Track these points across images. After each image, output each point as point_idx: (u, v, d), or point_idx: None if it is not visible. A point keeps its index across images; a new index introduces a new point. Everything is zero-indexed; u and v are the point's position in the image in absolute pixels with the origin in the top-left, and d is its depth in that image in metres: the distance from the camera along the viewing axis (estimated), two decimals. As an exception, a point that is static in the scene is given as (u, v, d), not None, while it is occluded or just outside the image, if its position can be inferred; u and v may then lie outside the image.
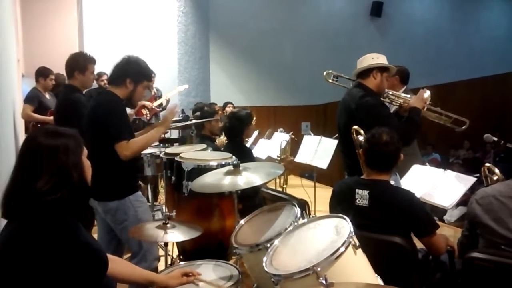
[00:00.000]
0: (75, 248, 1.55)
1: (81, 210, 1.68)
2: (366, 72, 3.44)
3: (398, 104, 3.59)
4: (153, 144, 3.90)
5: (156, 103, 7.09)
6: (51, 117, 5.35)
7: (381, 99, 3.52)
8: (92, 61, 3.94)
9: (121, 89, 2.94)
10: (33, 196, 1.56)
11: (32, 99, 5.47)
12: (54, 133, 1.64)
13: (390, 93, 3.58)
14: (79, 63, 3.87)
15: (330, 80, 3.81)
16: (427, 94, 3.48)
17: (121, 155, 2.82)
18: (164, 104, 7.28)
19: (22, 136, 4.65)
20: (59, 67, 5.90)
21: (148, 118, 7.10)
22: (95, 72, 4.35)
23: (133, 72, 2.95)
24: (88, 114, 2.96)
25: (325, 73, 3.83)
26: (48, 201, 1.56)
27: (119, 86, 2.94)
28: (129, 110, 3.90)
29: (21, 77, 6.84)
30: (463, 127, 3.56)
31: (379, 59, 3.44)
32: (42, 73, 5.63)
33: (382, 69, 3.43)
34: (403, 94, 3.64)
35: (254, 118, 4.59)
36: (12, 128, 3.73)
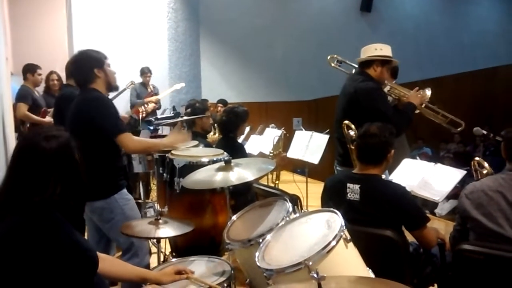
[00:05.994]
0: (65, 246, 1.55)
1: (78, 211, 1.68)
2: (368, 63, 3.46)
3: (396, 97, 3.61)
4: None
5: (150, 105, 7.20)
6: (47, 120, 5.33)
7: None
8: None
9: (97, 82, 2.90)
10: (28, 197, 1.56)
11: (25, 97, 5.40)
12: (48, 135, 1.64)
13: (390, 85, 3.60)
14: None
15: (333, 64, 3.79)
16: (428, 92, 3.51)
17: (125, 145, 2.84)
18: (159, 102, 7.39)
19: (11, 135, 4.61)
20: (48, 65, 5.88)
21: (143, 115, 7.13)
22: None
23: (92, 61, 2.89)
24: (74, 113, 2.90)
25: (329, 57, 3.82)
26: (43, 202, 1.56)
27: (95, 81, 2.89)
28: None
29: (10, 76, 6.78)
30: (459, 129, 3.59)
31: (383, 50, 3.44)
32: (29, 69, 5.58)
33: (384, 61, 3.43)
34: (404, 88, 3.64)
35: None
36: (1, 126, 3.71)
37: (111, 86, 2.99)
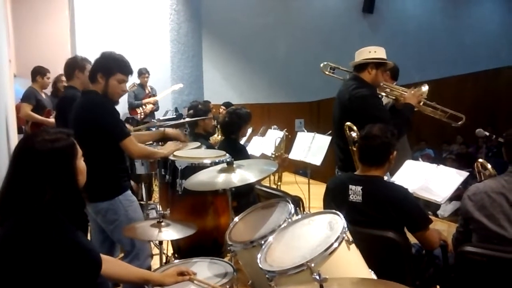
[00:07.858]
0: (67, 247, 1.55)
1: (76, 214, 1.68)
2: (362, 66, 3.43)
3: (394, 98, 3.59)
4: (147, 143, 3.91)
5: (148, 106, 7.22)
6: (51, 120, 5.45)
7: (377, 92, 3.53)
8: (88, 60, 4.00)
9: (96, 86, 2.89)
10: (27, 199, 1.57)
11: (29, 97, 5.58)
12: (48, 137, 1.64)
13: (386, 85, 3.58)
14: (78, 62, 3.99)
15: (326, 72, 3.74)
16: (425, 88, 3.49)
17: (128, 150, 2.86)
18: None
19: (14, 136, 4.63)
20: (51, 67, 5.92)
21: (142, 117, 7.14)
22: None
23: (102, 65, 2.87)
24: (76, 114, 2.91)
25: (322, 64, 3.76)
26: (41, 204, 1.57)
27: (94, 83, 2.90)
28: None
29: (13, 77, 6.83)
30: (460, 123, 3.57)
31: (377, 52, 3.41)
32: (39, 71, 5.76)
33: (378, 64, 3.41)
34: (400, 88, 3.62)
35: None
36: (5, 127, 3.72)
37: (107, 97, 2.91)
